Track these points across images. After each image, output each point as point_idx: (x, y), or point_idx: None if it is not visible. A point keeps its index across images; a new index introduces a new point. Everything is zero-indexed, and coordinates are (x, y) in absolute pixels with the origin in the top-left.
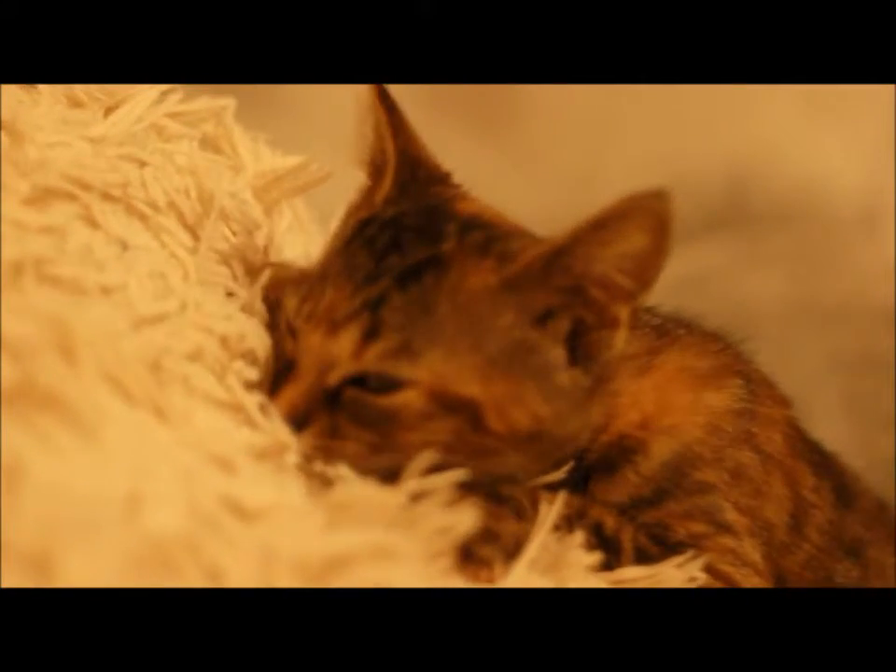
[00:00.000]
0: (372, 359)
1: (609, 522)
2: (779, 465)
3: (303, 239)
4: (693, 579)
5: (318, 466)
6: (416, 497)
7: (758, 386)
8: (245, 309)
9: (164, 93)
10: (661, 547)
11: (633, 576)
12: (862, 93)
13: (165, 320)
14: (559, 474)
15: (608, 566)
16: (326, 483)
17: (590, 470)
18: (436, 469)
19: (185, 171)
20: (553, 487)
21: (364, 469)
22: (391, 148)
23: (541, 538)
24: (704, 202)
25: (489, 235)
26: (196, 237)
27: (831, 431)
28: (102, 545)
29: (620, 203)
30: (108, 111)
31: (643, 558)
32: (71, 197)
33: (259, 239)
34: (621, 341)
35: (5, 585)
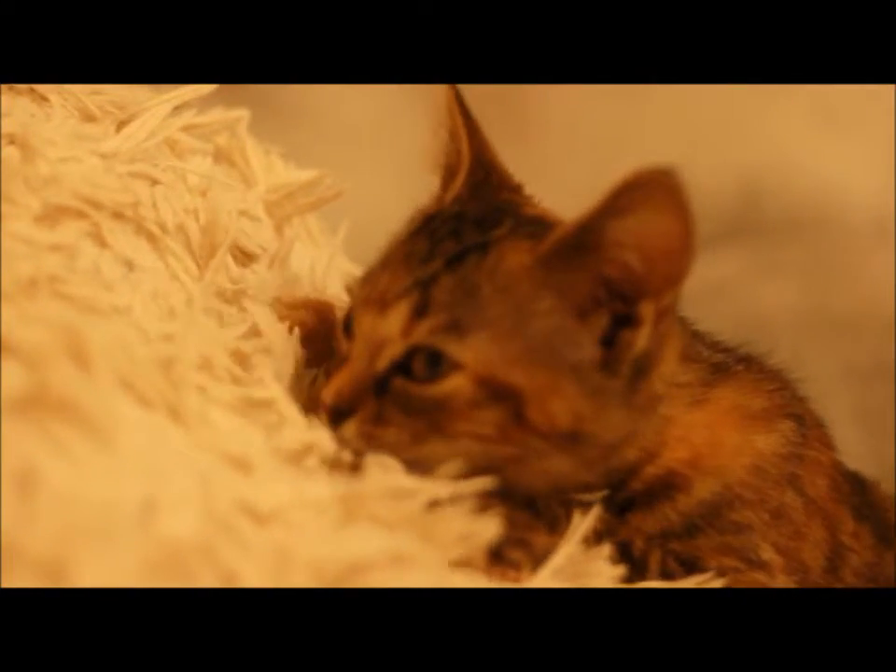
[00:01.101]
0: (422, 334)
1: (639, 543)
2: (821, 510)
3: (312, 251)
4: None
5: (348, 455)
6: (442, 503)
7: (809, 429)
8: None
9: (178, 108)
10: (688, 572)
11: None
12: (876, 102)
13: (171, 341)
14: (595, 497)
15: (630, 581)
16: (346, 483)
17: (630, 501)
18: (464, 476)
19: (196, 191)
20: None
21: (404, 459)
22: (466, 149)
23: (570, 548)
24: (717, 211)
25: (539, 229)
26: (199, 265)
27: (843, 441)
28: (116, 551)
29: (630, 175)
30: (121, 125)
31: (667, 578)
32: (81, 215)
33: (265, 261)
34: (643, 339)
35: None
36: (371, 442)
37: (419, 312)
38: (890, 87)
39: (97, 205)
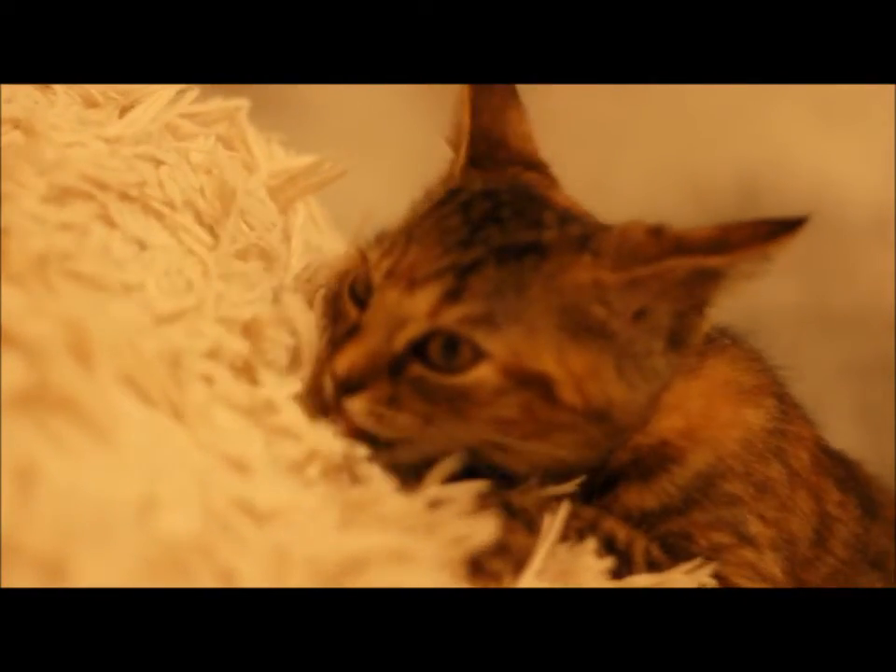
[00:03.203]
0: (451, 319)
1: (621, 534)
2: (805, 481)
3: (317, 237)
4: (702, 584)
5: (350, 465)
6: (435, 504)
7: (790, 407)
8: (272, 296)
9: (179, 93)
10: (673, 558)
11: (643, 583)
12: (875, 99)
13: (184, 317)
14: (570, 486)
15: (618, 574)
16: (344, 482)
17: (620, 474)
18: (457, 477)
19: (200, 169)
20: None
21: (412, 438)
22: (466, 122)
23: (546, 548)
24: (715, 208)
25: (585, 230)
26: (214, 235)
27: (843, 437)
28: (115, 548)
29: (782, 238)
30: (123, 111)
31: (654, 569)
32: (88, 196)
33: (276, 235)
34: (708, 325)
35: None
36: (379, 421)
37: (451, 296)
38: (890, 85)
39: (103, 186)
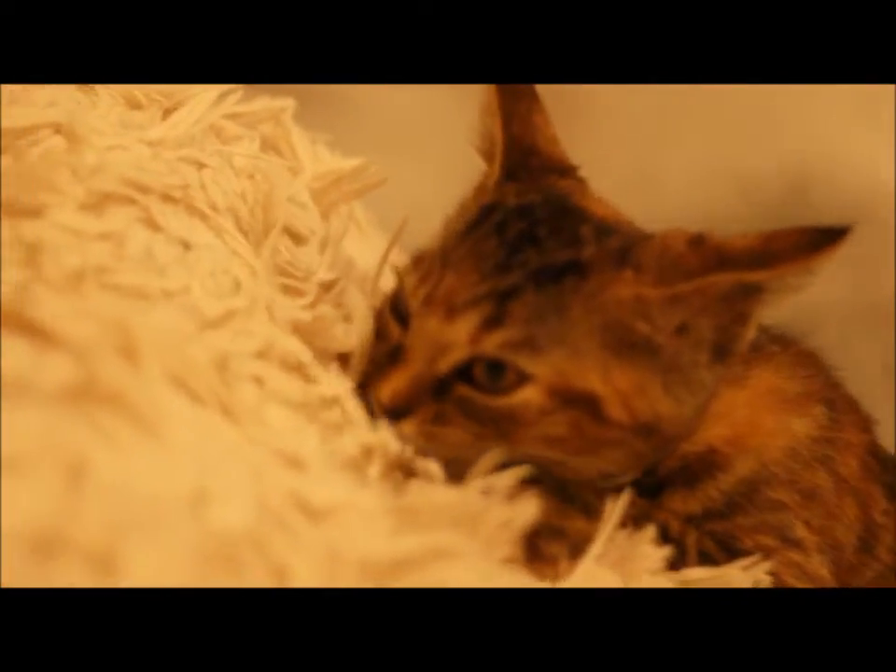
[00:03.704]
0: (492, 346)
1: (674, 525)
2: (853, 489)
3: (360, 242)
4: (757, 582)
5: (408, 460)
6: (482, 495)
7: (841, 413)
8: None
9: (223, 94)
10: (726, 553)
11: (698, 576)
12: None
13: (232, 319)
14: (625, 479)
15: (673, 566)
16: (400, 482)
17: (667, 480)
18: (502, 466)
19: (243, 173)
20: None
21: (466, 456)
22: (499, 133)
23: (607, 533)
24: (763, 204)
25: (624, 242)
26: (252, 245)
27: (890, 434)
28: (166, 543)
29: (824, 253)
30: (167, 113)
31: (707, 562)
32: (129, 201)
33: (315, 244)
34: (752, 333)
35: (67, 584)
36: (431, 440)
37: (491, 323)
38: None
39: (145, 189)
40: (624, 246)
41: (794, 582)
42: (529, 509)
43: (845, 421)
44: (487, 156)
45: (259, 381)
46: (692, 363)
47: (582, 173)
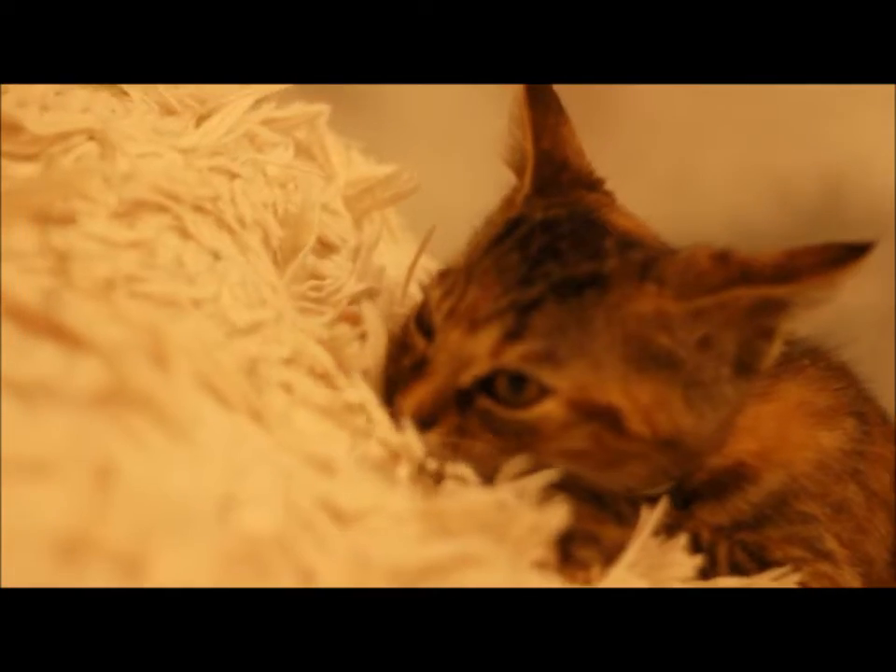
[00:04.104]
0: (513, 358)
1: (705, 534)
2: (885, 503)
3: (392, 249)
4: None
5: (433, 464)
6: (510, 501)
7: (872, 427)
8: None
9: (258, 102)
10: (756, 563)
11: (730, 585)
12: None
13: (261, 327)
14: (660, 489)
15: (704, 575)
16: (428, 486)
17: (696, 493)
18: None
19: (275, 182)
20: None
21: (491, 468)
22: (530, 148)
23: (642, 541)
24: (798, 208)
25: (647, 256)
26: (279, 262)
27: None
28: (194, 545)
29: (846, 269)
30: (200, 119)
31: (738, 572)
32: (162, 209)
33: (346, 253)
34: (778, 350)
35: (95, 585)
36: (456, 452)
37: (512, 336)
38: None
39: (177, 199)
40: (647, 260)
41: None
42: (559, 513)
43: (876, 434)
44: (517, 169)
45: (287, 387)
46: (714, 377)
47: (617, 177)
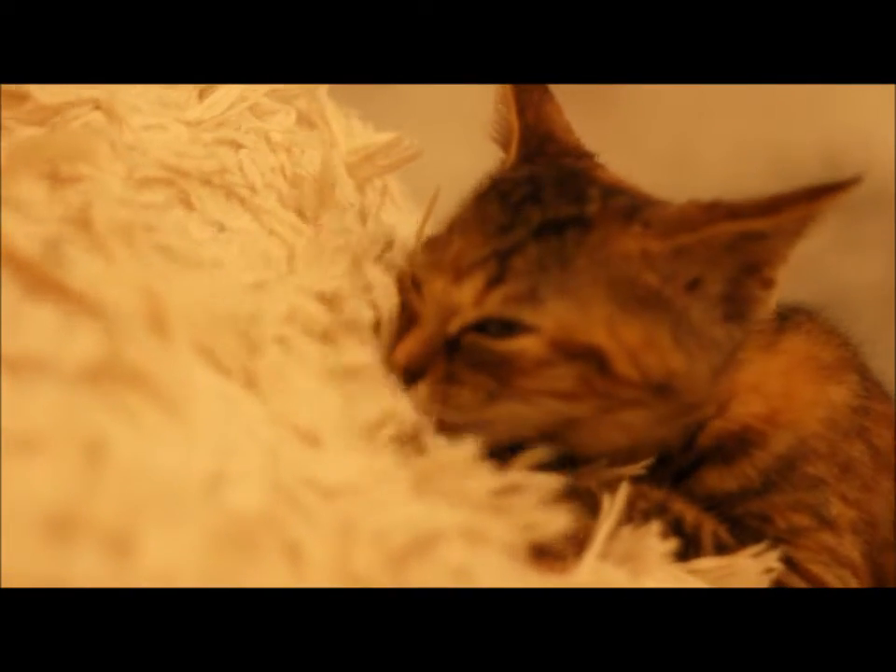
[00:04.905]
0: (495, 304)
1: (689, 517)
2: (888, 462)
3: (395, 214)
4: (769, 569)
5: (423, 423)
6: (514, 489)
7: (871, 384)
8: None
9: None
10: (742, 542)
11: (708, 566)
12: None
13: (260, 288)
14: (637, 468)
15: (683, 557)
16: (415, 459)
17: (704, 459)
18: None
19: (280, 148)
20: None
21: (477, 419)
22: (514, 120)
23: (606, 530)
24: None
25: (633, 202)
26: (303, 218)
27: None
28: (182, 522)
29: (826, 198)
30: (204, 91)
31: (722, 552)
32: (168, 183)
33: (353, 214)
34: (774, 300)
35: (82, 564)
36: (444, 402)
37: (494, 281)
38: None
39: (184, 174)
40: (633, 205)
41: (821, 570)
42: (562, 519)
43: (875, 391)
44: (504, 145)
45: (284, 343)
46: (703, 319)
47: (615, 151)
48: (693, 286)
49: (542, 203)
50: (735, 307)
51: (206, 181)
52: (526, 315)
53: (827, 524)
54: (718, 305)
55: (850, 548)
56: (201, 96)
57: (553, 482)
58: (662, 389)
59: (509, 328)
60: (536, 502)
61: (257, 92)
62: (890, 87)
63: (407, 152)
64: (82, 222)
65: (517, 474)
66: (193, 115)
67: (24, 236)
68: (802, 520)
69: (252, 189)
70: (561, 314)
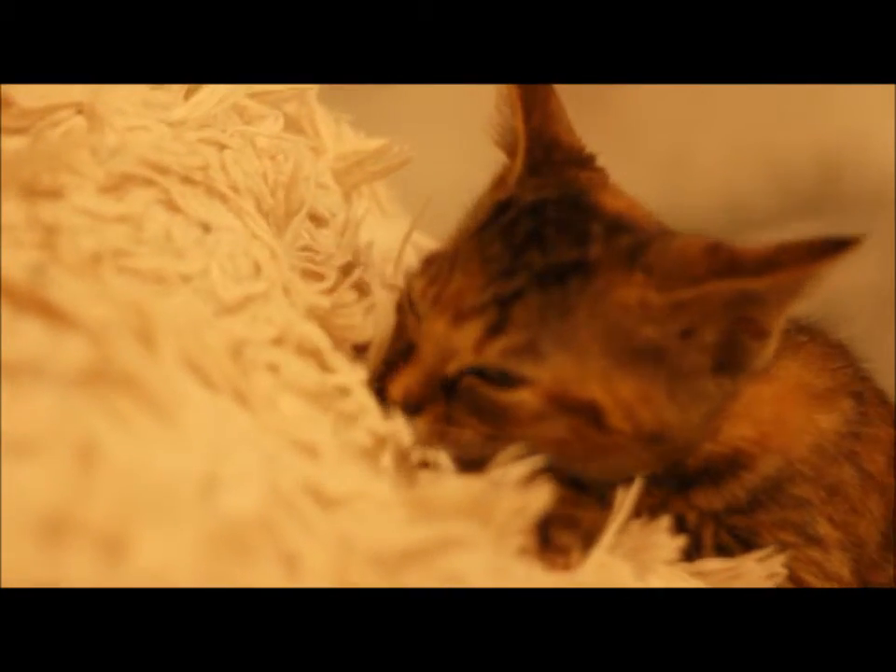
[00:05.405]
0: (494, 354)
1: (691, 517)
2: (879, 485)
3: (382, 222)
4: (773, 574)
5: (418, 451)
6: (496, 486)
7: (870, 407)
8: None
9: None
10: (743, 546)
11: (713, 568)
12: None
13: (250, 304)
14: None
15: (688, 557)
16: (412, 472)
17: (690, 479)
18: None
19: (265, 154)
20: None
21: (476, 455)
22: (521, 128)
23: (619, 523)
24: (794, 188)
25: (636, 241)
26: (272, 226)
27: None
28: (176, 526)
29: (824, 262)
30: (190, 91)
31: (723, 554)
32: (149, 182)
33: (336, 226)
34: (770, 351)
35: (76, 567)
36: (442, 439)
37: (494, 329)
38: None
39: (165, 171)
40: (635, 246)
41: (813, 580)
42: (542, 496)
43: (873, 415)
44: (508, 150)
45: (274, 369)
46: (695, 368)
47: (612, 156)
48: (687, 334)
49: (544, 246)
50: (728, 358)
51: (187, 178)
52: (526, 369)
53: (814, 541)
54: (710, 355)
55: (839, 564)
56: (186, 97)
57: (528, 465)
58: (654, 439)
59: (507, 379)
60: (515, 486)
61: (241, 92)
62: (886, 89)
63: (396, 159)
64: (51, 248)
65: (496, 472)
66: (178, 115)
67: (8, 259)
68: (788, 537)
69: (234, 189)
70: (559, 368)
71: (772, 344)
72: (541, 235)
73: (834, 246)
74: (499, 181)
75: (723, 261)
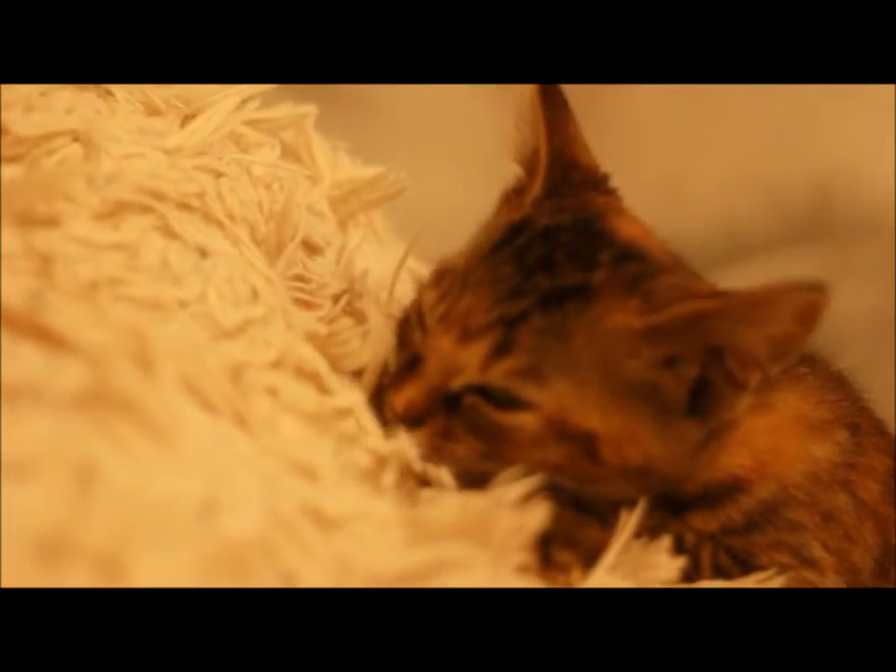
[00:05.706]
0: (498, 374)
1: (689, 537)
2: (873, 513)
3: (377, 250)
4: None
5: (420, 465)
6: (495, 506)
7: (866, 438)
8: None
9: (243, 101)
10: (741, 567)
11: (713, 586)
12: None
13: (248, 328)
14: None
15: (687, 578)
16: (413, 491)
17: (688, 503)
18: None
19: (260, 183)
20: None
21: (472, 472)
22: (544, 149)
23: (621, 543)
24: (791, 213)
25: (641, 270)
26: (265, 254)
27: None
28: (174, 548)
29: (779, 291)
30: (186, 119)
31: (721, 576)
32: (145, 209)
33: (331, 255)
34: (744, 404)
35: (75, 587)
36: (439, 454)
37: (500, 350)
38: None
39: (161, 197)
40: (640, 274)
41: None
42: (540, 514)
43: (868, 445)
44: (528, 168)
45: (273, 392)
46: (676, 405)
47: (612, 180)
48: (670, 363)
49: (553, 269)
50: (701, 400)
51: (184, 204)
52: (529, 393)
53: (808, 563)
54: (688, 390)
55: (834, 586)
56: (182, 125)
57: (525, 485)
58: (641, 473)
59: (510, 401)
60: (512, 505)
61: (238, 119)
62: (882, 115)
63: (392, 188)
64: (47, 277)
65: (494, 492)
66: (174, 142)
67: (6, 286)
68: (784, 558)
69: (230, 217)
70: (561, 394)
71: (745, 399)
72: (551, 259)
73: (794, 286)
74: (515, 201)
75: (692, 290)
